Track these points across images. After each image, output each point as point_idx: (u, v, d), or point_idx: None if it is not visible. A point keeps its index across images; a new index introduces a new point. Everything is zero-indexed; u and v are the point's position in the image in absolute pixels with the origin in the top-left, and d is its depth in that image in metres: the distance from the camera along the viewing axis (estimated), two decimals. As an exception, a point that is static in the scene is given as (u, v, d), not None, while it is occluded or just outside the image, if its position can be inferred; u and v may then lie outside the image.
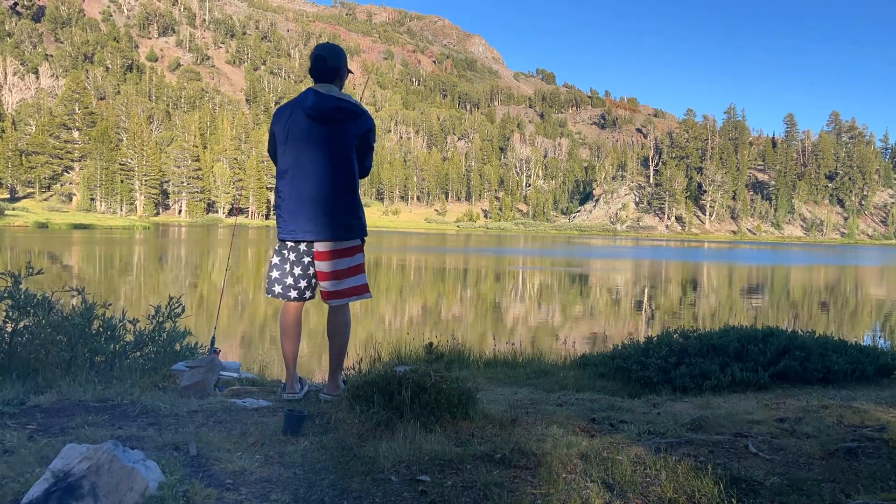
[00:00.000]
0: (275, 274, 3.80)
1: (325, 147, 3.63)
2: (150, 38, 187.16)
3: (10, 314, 3.98)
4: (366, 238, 3.85)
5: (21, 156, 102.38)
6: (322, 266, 3.68)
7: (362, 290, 3.77)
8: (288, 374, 3.89)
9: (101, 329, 4.38)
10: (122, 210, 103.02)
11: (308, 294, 3.80)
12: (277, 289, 3.78)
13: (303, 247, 3.74)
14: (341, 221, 3.66)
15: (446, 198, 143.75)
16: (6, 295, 3.93)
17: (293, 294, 3.77)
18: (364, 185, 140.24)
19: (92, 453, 2.03)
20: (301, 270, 3.76)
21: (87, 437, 2.75)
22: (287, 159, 3.71)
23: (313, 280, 3.77)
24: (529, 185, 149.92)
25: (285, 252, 3.78)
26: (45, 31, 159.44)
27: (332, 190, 3.65)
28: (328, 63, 3.73)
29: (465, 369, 6.53)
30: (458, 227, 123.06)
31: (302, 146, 3.67)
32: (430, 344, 3.58)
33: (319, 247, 3.67)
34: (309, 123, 3.65)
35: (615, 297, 21.91)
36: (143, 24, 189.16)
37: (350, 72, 3.92)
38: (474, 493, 2.45)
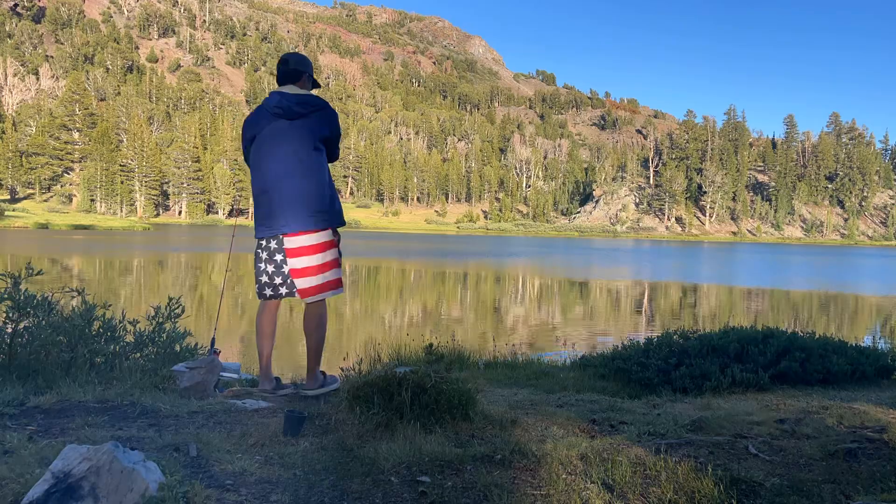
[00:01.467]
0: (255, 275, 3.88)
1: (292, 141, 3.69)
2: (151, 40, 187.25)
3: (10, 315, 3.97)
4: (339, 230, 3.83)
5: (21, 157, 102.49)
6: (293, 263, 3.71)
7: (334, 286, 3.80)
8: (260, 370, 3.99)
9: (101, 330, 4.37)
10: (122, 211, 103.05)
11: (283, 291, 3.81)
12: (258, 289, 3.88)
13: (273, 244, 3.77)
14: (311, 210, 3.67)
15: (446, 199, 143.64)
16: (6, 296, 3.93)
17: (268, 292, 3.83)
18: (364, 187, 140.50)
19: (92, 454, 2.03)
20: (273, 268, 3.79)
21: (87, 438, 2.75)
22: (256, 159, 3.79)
23: (288, 278, 3.77)
24: (529, 186, 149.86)
25: (259, 251, 3.84)
26: (46, 33, 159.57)
27: (299, 183, 3.67)
28: (290, 66, 3.85)
29: (464, 370, 6.52)
30: (458, 227, 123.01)
31: (268, 143, 3.73)
32: (431, 345, 3.60)
33: (288, 243, 3.70)
34: (275, 121, 3.72)
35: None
36: (144, 26, 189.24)
37: (317, 84, 4.00)
38: (474, 494, 2.45)
